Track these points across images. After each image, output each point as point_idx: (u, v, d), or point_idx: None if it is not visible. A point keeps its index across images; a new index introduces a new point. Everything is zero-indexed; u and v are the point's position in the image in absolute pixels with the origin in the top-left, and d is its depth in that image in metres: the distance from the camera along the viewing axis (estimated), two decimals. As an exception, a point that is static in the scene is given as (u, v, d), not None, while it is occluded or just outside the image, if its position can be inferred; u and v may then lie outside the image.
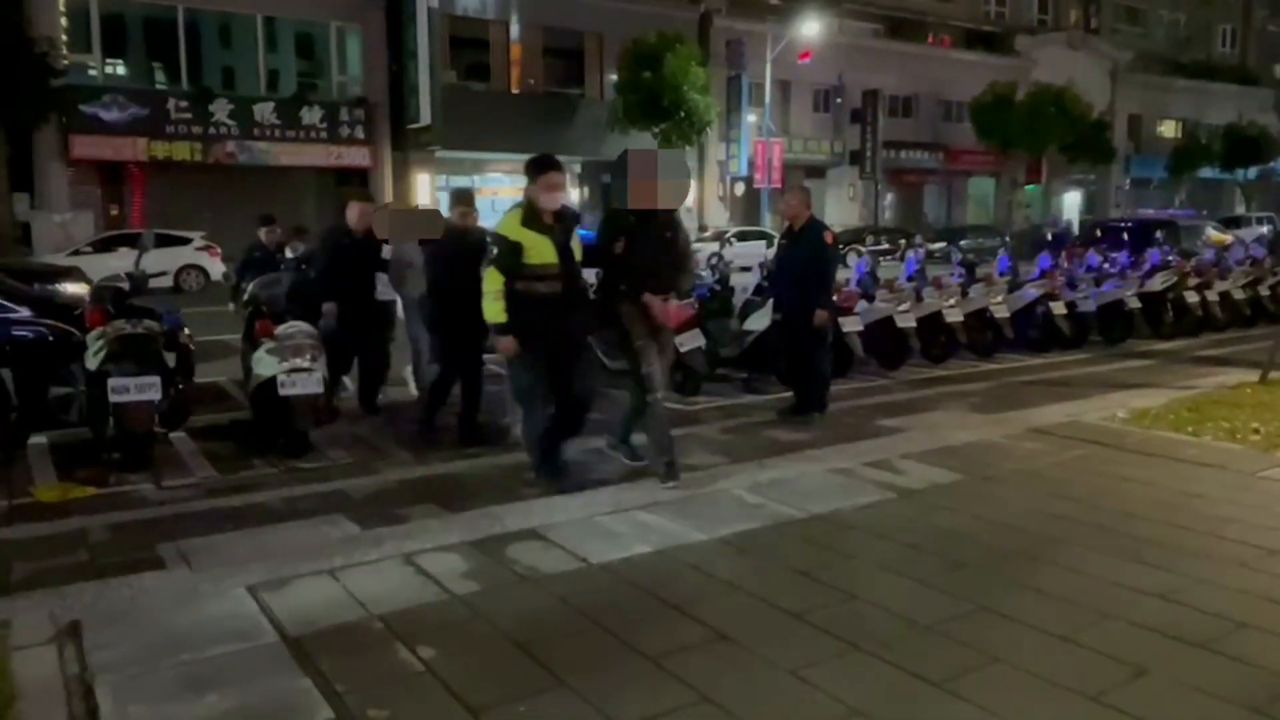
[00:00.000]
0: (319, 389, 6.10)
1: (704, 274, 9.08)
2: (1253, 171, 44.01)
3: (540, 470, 5.42)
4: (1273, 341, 8.58)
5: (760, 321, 8.24)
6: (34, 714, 2.92)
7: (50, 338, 7.04)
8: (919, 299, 9.56)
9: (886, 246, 27.18)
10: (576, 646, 3.35)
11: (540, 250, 5.02)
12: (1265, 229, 29.80)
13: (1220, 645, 3.31)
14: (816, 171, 34.55)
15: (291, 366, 6.02)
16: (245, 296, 8.32)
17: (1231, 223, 29.42)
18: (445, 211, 7.27)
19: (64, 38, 21.70)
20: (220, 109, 23.87)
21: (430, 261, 6.68)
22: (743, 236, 25.89)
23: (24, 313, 7.40)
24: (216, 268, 20.09)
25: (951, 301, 9.79)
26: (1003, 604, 3.66)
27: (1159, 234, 16.55)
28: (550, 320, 5.05)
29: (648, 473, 5.41)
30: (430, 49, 24.57)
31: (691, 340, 7.45)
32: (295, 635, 3.41)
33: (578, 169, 28.55)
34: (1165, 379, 8.84)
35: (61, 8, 21.92)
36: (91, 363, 6.03)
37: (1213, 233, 19.23)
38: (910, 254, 11.36)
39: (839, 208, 34.47)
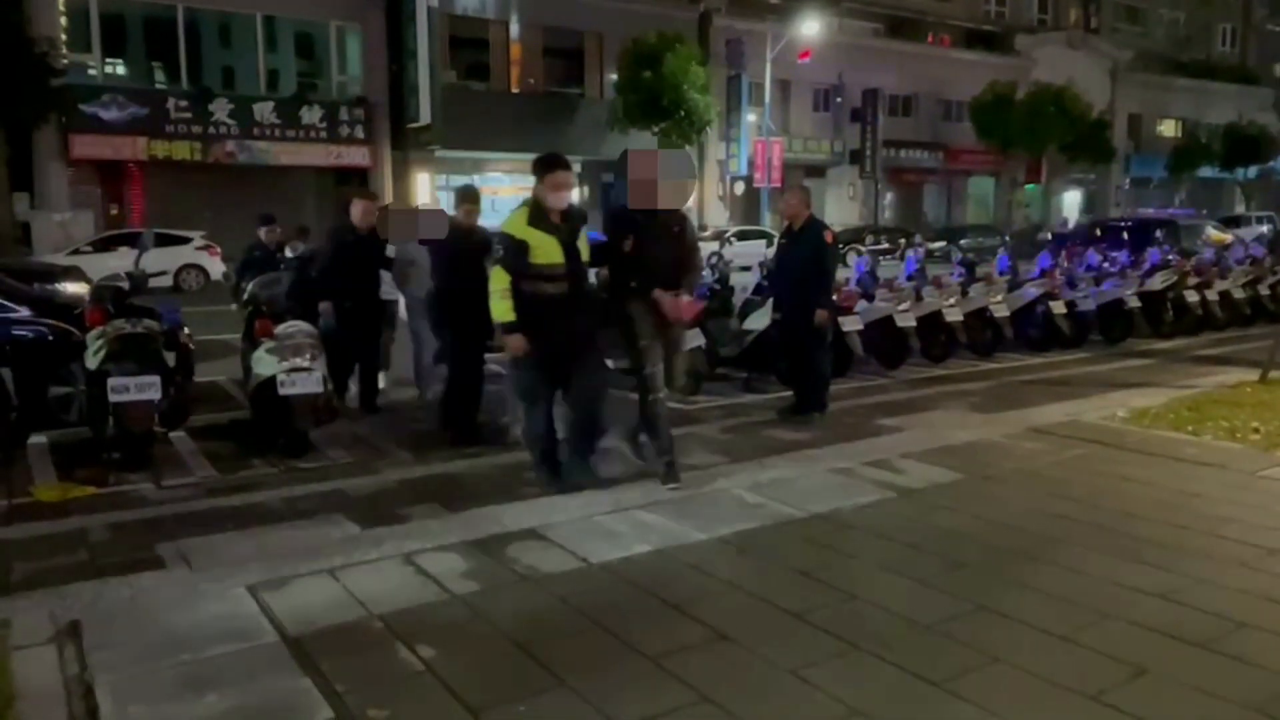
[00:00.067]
0: (319, 388, 6.09)
1: (704, 273, 9.07)
2: (1252, 171, 44.05)
3: (539, 470, 5.41)
4: (1273, 341, 8.58)
5: (760, 321, 8.24)
6: (34, 714, 2.92)
7: (50, 337, 7.05)
8: (919, 298, 9.55)
9: (886, 246, 27.16)
10: (576, 646, 3.35)
11: (546, 250, 4.97)
12: (1265, 228, 29.77)
13: (1220, 645, 3.31)
14: (816, 171, 34.57)
15: (291, 366, 6.02)
16: (245, 296, 8.33)
17: (1231, 222, 29.39)
18: (450, 210, 7.25)
19: (64, 37, 21.71)
20: (220, 108, 23.89)
21: (434, 260, 6.67)
22: (742, 236, 25.88)
23: (24, 312, 7.40)
24: (216, 267, 20.09)
25: (951, 301, 9.79)
26: (1003, 604, 3.66)
27: (1159, 233, 16.55)
28: (556, 320, 5.01)
29: (648, 473, 5.40)
30: (430, 48, 24.58)
31: (692, 340, 7.44)
32: (295, 635, 3.41)
33: (578, 168, 28.49)
34: (1165, 378, 8.84)
35: (61, 7, 21.93)
36: (91, 362, 6.03)
37: (1213, 232, 19.22)
38: (910, 253, 11.36)
39: (839, 207, 34.49)
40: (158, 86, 23.93)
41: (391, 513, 5.05)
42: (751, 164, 30.75)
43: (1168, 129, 45.80)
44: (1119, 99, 42.22)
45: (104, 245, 19.10)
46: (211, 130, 23.74)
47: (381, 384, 7.76)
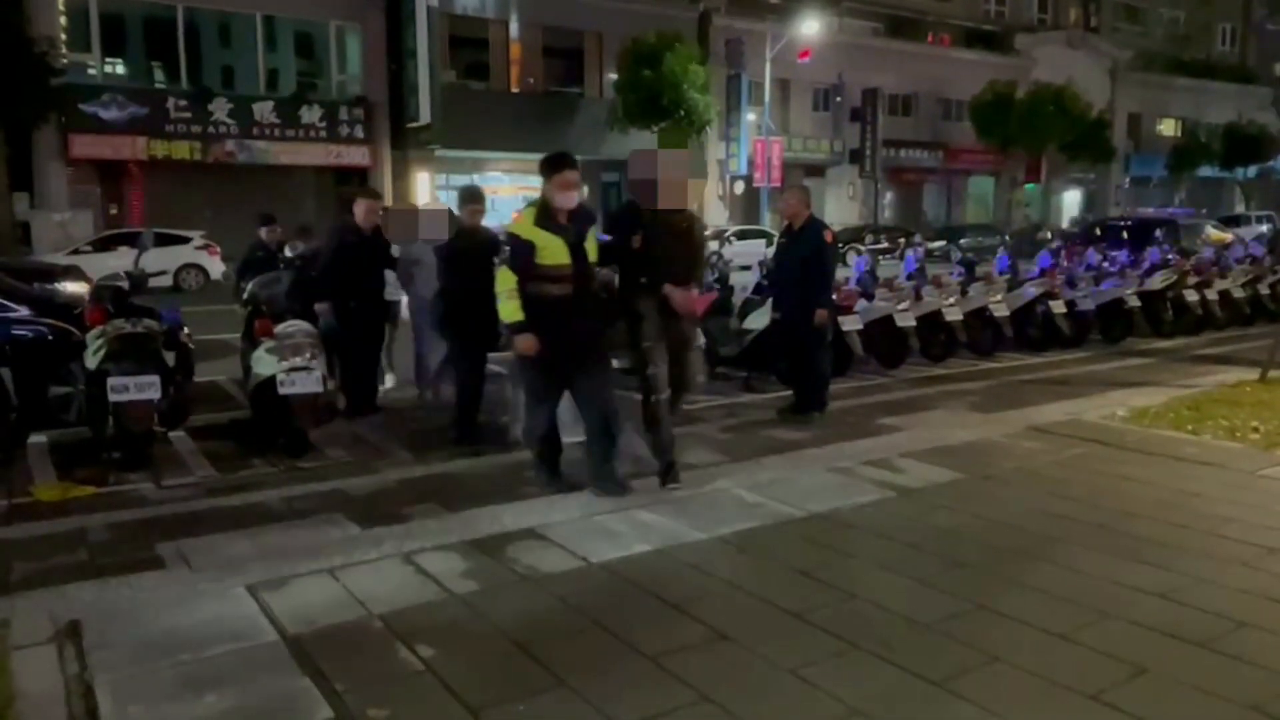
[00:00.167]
0: (318, 388, 6.09)
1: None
2: (1252, 170, 44.08)
3: (539, 470, 5.41)
4: (1272, 340, 8.58)
5: (760, 320, 8.24)
6: (34, 714, 2.92)
7: (50, 337, 7.04)
8: (918, 298, 9.56)
9: (886, 245, 27.17)
10: (576, 646, 3.35)
11: (553, 250, 4.92)
12: (1265, 227, 29.78)
13: (1220, 644, 3.31)
14: (816, 170, 34.56)
15: (291, 365, 6.01)
16: (245, 295, 8.33)
17: (1231, 221, 29.45)
18: (455, 210, 7.22)
19: (63, 37, 21.71)
20: (220, 108, 23.88)
21: (439, 260, 6.66)
22: (742, 235, 25.89)
23: (23, 312, 7.41)
24: (216, 267, 20.09)
25: (951, 300, 9.79)
26: (1002, 603, 3.66)
27: (1158, 233, 16.57)
28: (562, 322, 4.96)
29: (648, 473, 5.40)
30: (430, 48, 24.57)
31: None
32: (295, 635, 3.41)
33: (577, 168, 28.52)
34: (1165, 377, 8.84)
35: (61, 7, 21.91)
36: (91, 362, 6.03)
37: (1212, 231, 19.24)
38: (910, 253, 11.37)
39: (838, 206, 34.48)
40: (157, 86, 23.92)
41: (391, 512, 5.05)
42: (751, 163, 30.74)
43: (1167, 128, 45.80)
44: (1119, 98, 42.22)
45: (104, 245, 19.08)
46: (211, 130, 23.72)
47: (388, 384, 7.75)
